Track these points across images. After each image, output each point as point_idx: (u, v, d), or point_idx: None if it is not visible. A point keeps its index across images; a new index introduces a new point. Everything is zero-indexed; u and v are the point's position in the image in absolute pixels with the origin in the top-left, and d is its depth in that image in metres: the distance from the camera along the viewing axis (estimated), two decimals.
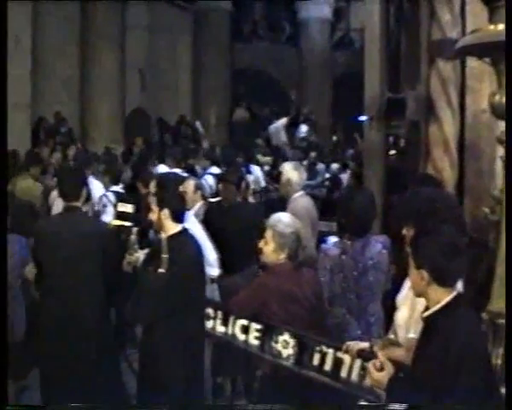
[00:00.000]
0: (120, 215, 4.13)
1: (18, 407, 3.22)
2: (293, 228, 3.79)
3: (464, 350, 2.41)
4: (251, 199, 6.77)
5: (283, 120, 15.44)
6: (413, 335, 2.91)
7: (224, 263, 5.01)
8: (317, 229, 5.76)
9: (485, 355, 2.60)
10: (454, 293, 2.58)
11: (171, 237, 3.54)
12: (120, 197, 5.79)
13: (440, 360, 2.43)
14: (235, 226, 5.39)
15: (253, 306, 3.80)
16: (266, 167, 11.30)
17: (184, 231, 3.66)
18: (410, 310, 2.99)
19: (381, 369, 2.66)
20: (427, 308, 2.62)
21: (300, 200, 5.53)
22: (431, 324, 2.57)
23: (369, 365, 2.74)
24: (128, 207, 4.15)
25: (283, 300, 3.71)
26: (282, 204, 5.62)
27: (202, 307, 3.84)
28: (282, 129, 15.20)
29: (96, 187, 6.59)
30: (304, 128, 15.64)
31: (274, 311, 3.73)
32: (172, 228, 3.58)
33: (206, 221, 5.38)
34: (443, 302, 2.55)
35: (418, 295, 2.68)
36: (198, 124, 12.34)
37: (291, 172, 5.60)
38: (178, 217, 3.65)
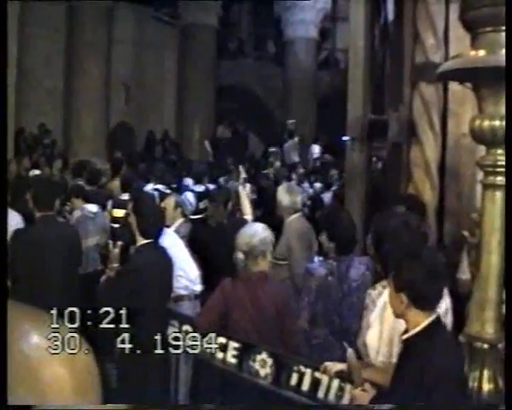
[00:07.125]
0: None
1: (18, 407, 3.12)
2: (259, 237, 3.81)
3: (439, 373, 2.42)
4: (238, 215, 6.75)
5: (296, 140, 15.36)
6: (382, 358, 2.92)
7: (210, 281, 5.01)
8: (314, 251, 5.52)
9: (461, 378, 2.61)
10: (433, 316, 2.59)
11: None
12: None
13: (417, 381, 2.44)
14: (223, 244, 5.36)
15: (216, 316, 3.79)
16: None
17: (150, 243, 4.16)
18: (379, 331, 3.00)
19: (364, 390, 2.68)
20: (406, 331, 2.62)
21: (293, 223, 5.37)
22: (410, 346, 2.58)
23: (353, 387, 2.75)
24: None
25: (243, 307, 3.74)
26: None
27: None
28: (294, 148, 15.11)
29: None
30: (316, 149, 15.55)
31: (235, 319, 3.75)
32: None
33: (193, 240, 5.46)
34: (422, 325, 2.56)
35: (398, 316, 2.68)
36: (206, 143, 12.51)
37: (282, 195, 5.45)
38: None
